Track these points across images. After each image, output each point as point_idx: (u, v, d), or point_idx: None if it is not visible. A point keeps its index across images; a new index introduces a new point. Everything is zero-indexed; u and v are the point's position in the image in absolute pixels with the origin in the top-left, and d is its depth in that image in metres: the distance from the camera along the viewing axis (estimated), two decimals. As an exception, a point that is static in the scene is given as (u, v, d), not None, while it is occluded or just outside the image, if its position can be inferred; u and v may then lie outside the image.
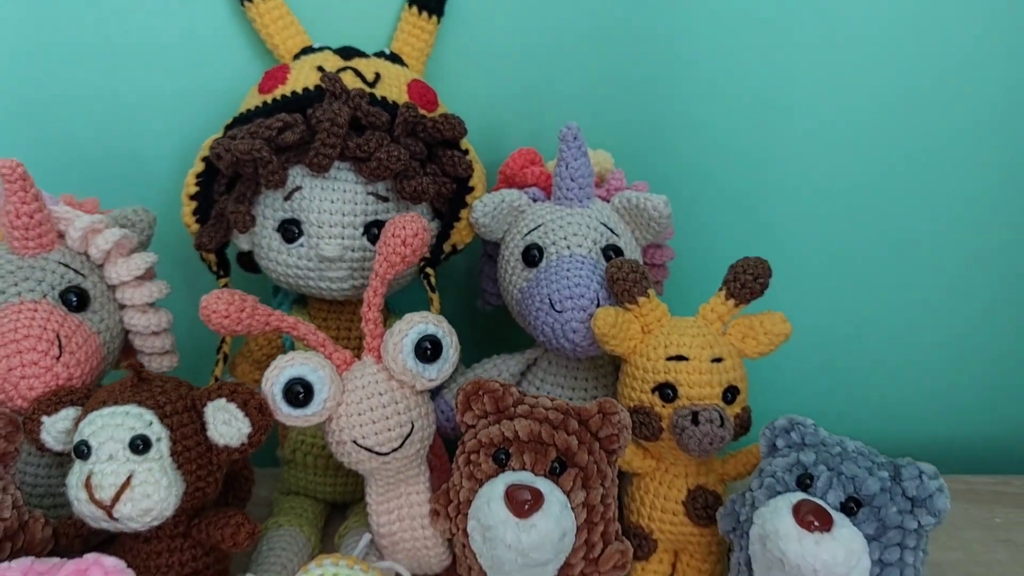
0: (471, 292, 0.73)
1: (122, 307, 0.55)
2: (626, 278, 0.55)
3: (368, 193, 0.57)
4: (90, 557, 0.41)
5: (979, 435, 0.79)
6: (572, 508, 0.48)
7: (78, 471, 0.46)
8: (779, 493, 0.47)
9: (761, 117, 0.71)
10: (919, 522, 0.45)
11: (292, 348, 0.61)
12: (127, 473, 0.45)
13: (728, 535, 0.51)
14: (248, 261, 0.63)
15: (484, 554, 0.49)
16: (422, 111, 0.58)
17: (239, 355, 0.64)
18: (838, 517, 0.45)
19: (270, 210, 0.57)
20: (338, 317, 0.62)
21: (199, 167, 0.58)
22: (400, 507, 0.53)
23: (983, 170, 0.72)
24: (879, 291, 0.76)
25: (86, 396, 0.49)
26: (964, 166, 0.72)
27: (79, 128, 0.67)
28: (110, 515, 0.45)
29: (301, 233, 0.57)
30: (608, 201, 0.61)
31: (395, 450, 0.50)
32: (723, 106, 0.70)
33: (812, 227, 0.74)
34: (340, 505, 0.64)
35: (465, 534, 0.50)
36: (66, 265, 0.53)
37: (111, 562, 0.41)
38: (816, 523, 0.44)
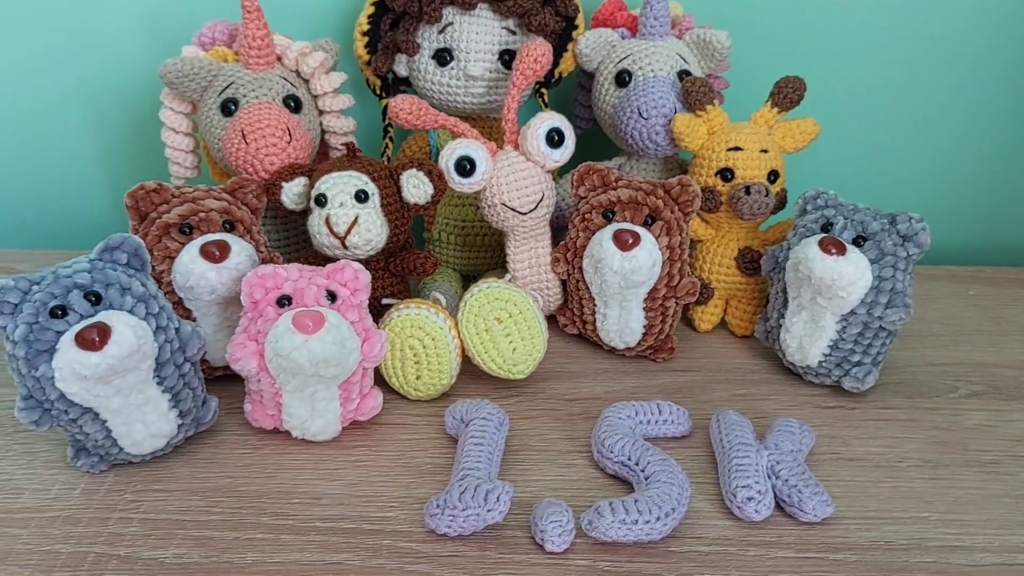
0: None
1: (321, 113, 0.74)
2: (697, 91, 0.73)
3: (502, 27, 0.75)
4: (344, 261, 0.61)
5: (964, 236, 0.99)
6: (659, 248, 0.68)
7: (318, 215, 0.66)
8: (808, 236, 0.67)
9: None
10: (908, 252, 0.64)
11: (438, 153, 0.80)
12: (354, 215, 0.65)
13: (769, 274, 0.71)
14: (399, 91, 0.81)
15: (594, 282, 0.69)
16: (540, -35, 0.75)
17: (396, 160, 0.83)
18: (850, 247, 0.64)
19: (427, 41, 0.75)
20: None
21: (370, 10, 0.76)
22: (530, 256, 0.73)
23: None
24: (892, 117, 0.93)
25: (311, 170, 0.69)
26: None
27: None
28: (344, 244, 0.66)
29: (452, 59, 0.75)
30: (681, 39, 0.79)
31: (531, 211, 0.70)
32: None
33: (840, 59, 0.91)
34: (472, 277, 0.84)
35: (580, 271, 0.70)
36: (284, 79, 0.72)
37: (356, 264, 0.61)
38: (834, 249, 0.63)
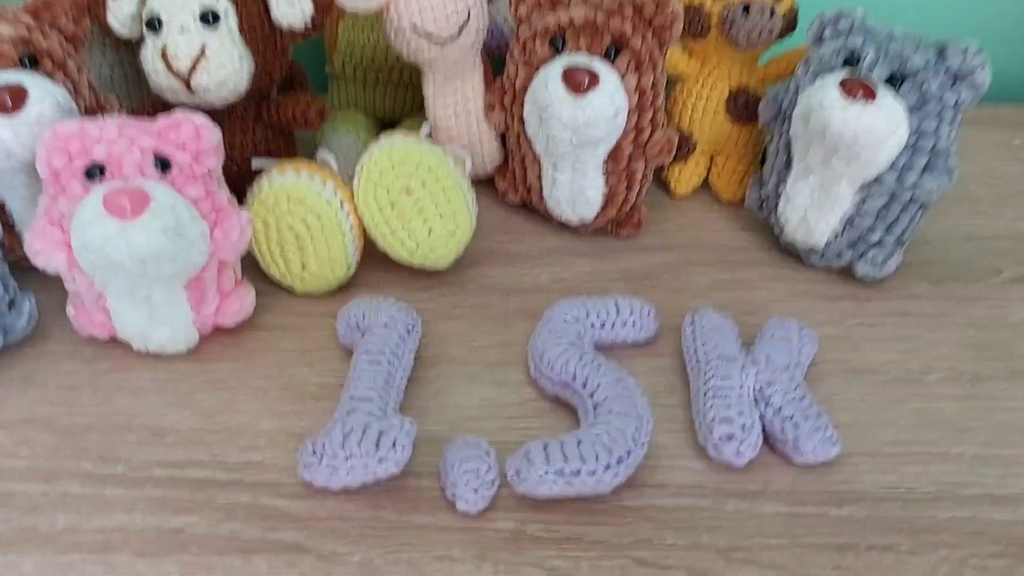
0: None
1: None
2: None
3: None
4: (180, 114, 0.44)
5: (1013, 66, 0.80)
6: (625, 92, 0.51)
7: (152, 45, 0.48)
8: (825, 73, 0.50)
9: None
10: (959, 97, 0.48)
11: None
12: (200, 44, 0.47)
13: (769, 124, 0.54)
14: None
15: (539, 137, 0.53)
16: None
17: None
18: (882, 89, 0.47)
19: None
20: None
21: None
22: (456, 102, 0.56)
23: None
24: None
25: (147, -19, 0.50)
26: None
27: None
28: (188, 86, 0.48)
29: None
30: None
31: (452, 37, 0.52)
32: None
33: None
34: (389, 123, 0.67)
35: (521, 122, 0.53)
36: None
37: (200, 118, 0.44)
38: (861, 92, 0.47)
